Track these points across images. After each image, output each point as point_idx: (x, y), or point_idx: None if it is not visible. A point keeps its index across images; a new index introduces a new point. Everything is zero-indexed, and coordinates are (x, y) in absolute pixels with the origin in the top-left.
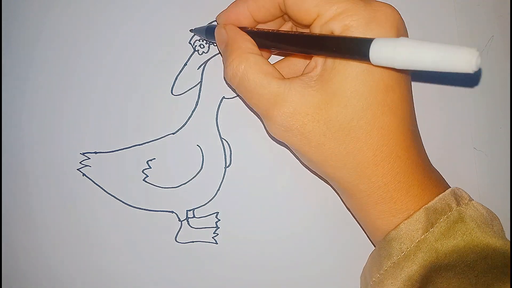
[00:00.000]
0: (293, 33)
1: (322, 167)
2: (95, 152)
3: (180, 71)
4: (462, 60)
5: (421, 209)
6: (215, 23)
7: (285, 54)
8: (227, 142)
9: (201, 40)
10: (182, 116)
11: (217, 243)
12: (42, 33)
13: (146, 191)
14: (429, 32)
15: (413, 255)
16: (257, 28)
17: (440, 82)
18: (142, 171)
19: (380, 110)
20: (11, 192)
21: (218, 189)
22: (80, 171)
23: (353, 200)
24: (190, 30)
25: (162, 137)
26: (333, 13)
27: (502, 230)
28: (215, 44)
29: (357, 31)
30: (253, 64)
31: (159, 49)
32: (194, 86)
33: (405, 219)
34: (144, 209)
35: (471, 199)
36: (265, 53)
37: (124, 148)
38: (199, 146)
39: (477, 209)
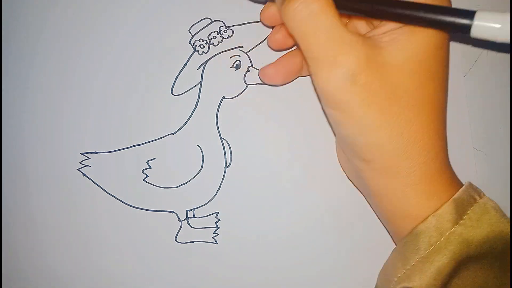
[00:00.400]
0: None
1: (371, 137)
2: (95, 152)
3: (180, 71)
4: None
5: (450, 200)
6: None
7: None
8: (227, 142)
9: (201, 40)
10: (182, 116)
11: (217, 243)
12: (42, 33)
13: (146, 191)
14: None
15: (444, 248)
16: None
17: None
18: (142, 171)
19: (439, 86)
20: (11, 192)
21: (218, 189)
22: (80, 171)
23: (391, 181)
24: None
25: (162, 137)
26: None
27: None
28: (215, 45)
29: None
30: (330, 5)
31: (159, 49)
32: (194, 86)
33: (434, 212)
34: (144, 209)
35: (483, 193)
36: None
37: (124, 148)
38: (199, 146)
39: (493, 201)
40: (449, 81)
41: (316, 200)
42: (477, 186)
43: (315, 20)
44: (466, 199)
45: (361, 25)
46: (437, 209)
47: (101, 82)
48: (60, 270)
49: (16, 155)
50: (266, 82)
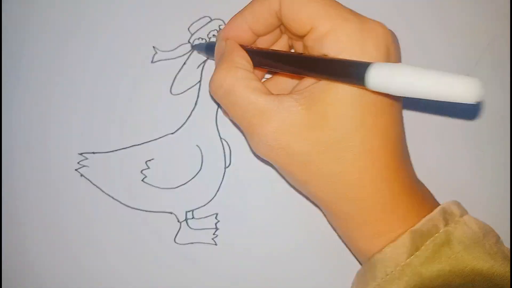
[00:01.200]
0: (288, 53)
1: (306, 187)
2: (93, 153)
3: (179, 70)
4: (463, 90)
5: (407, 232)
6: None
7: (277, 72)
8: (226, 142)
9: (200, 39)
10: (181, 115)
11: (216, 244)
12: (42, 33)
13: (145, 191)
14: (429, 32)
15: (398, 279)
16: (256, 47)
17: None
18: (141, 172)
19: (370, 133)
20: (8, 192)
21: (218, 190)
22: (78, 171)
23: (337, 221)
24: (191, 46)
25: (161, 137)
26: (327, 29)
27: (496, 244)
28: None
29: (351, 52)
30: (241, 78)
31: (158, 48)
32: (194, 86)
33: (391, 242)
34: (143, 210)
35: (462, 215)
36: (259, 73)
37: (122, 148)
38: (198, 146)
39: (467, 227)
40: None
41: None
42: (476, 186)
43: (231, 96)
44: (427, 229)
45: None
46: (393, 240)
47: (99, 82)
48: (58, 271)
49: (14, 155)
50: None
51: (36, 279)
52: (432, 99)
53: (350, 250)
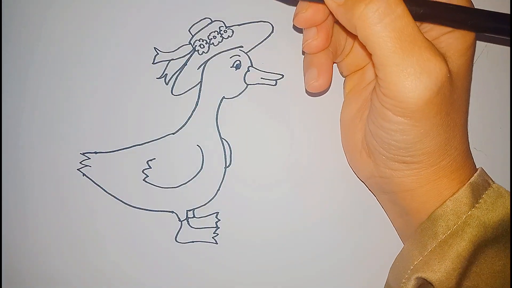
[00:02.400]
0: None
1: (429, 142)
2: (95, 152)
3: (180, 71)
4: None
5: (466, 184)
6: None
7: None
8: (227, 142)
9: (201, 40)
10: (182, 116)
11: (217, 243)
12: (42, 33)
13: (146, 191)
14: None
15: (462, 231)
16: None
17: None
18: (142, 171)
19: (467, 94)
20: (11, 192)
21: (218, 189)
22: (80, 171)
23: (428, 175)
24: None
25: (162, 137)
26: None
27: None
28: (215, 44)
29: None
30: (406, 10)
31: (159, 49)
32: (194, 86)
33: (450, 196)
34: (144, 209)
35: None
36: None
37: (124, 148)
38: (199, 146)
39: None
40: None
41: (316, 200)
42: None
43: (398, 25)
44: (481, 183)
45: None
46: (453, 193)
47: (101, 82)
48: (60, 270)
49: (16, 155)
50: (314, 93)
51: (38, 278)
52: None
53: (405, 219)
